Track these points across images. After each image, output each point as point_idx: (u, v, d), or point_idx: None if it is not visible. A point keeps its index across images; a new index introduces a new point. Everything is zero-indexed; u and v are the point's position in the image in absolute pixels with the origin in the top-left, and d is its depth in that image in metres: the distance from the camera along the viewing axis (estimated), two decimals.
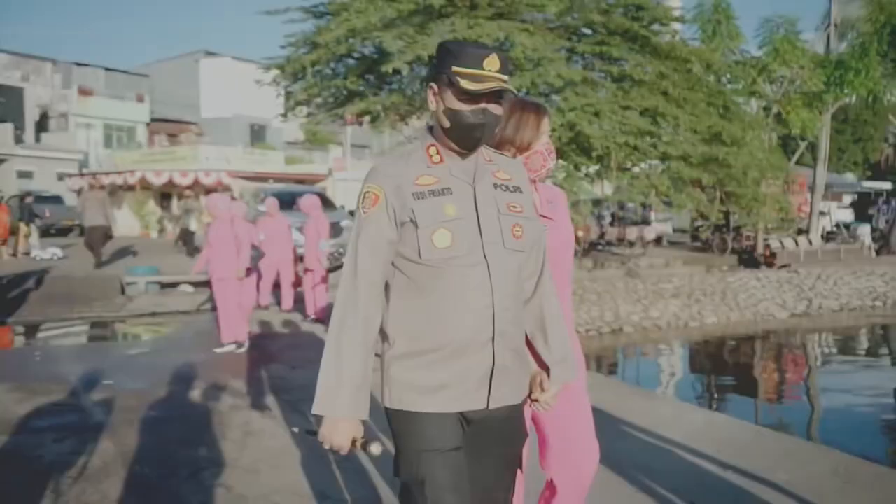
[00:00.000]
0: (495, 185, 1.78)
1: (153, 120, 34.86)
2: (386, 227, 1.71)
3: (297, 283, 9.31)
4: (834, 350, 11.79)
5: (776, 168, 13.55)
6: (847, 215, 26.80)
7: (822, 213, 19.44)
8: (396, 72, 11.35)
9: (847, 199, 35.91)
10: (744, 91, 16.32)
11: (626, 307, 12.36)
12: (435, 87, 1.74)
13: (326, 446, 1.70)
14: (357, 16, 11.11)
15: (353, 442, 1.69)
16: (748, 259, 16.98)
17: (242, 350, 6.87)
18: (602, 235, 17.37)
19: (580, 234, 15.65)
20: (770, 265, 16.47)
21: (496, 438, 1.79)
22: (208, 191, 18.41)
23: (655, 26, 12.45)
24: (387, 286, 1.76)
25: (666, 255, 17.20)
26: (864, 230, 19.68)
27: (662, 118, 11.57)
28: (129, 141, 33.72)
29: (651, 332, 11.81)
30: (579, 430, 2.18)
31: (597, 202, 16.18)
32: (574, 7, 11.61)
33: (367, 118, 13.68)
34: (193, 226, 16.31)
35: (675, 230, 23.89)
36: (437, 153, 1.75)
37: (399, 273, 1.74)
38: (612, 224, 18.07)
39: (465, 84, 1.66)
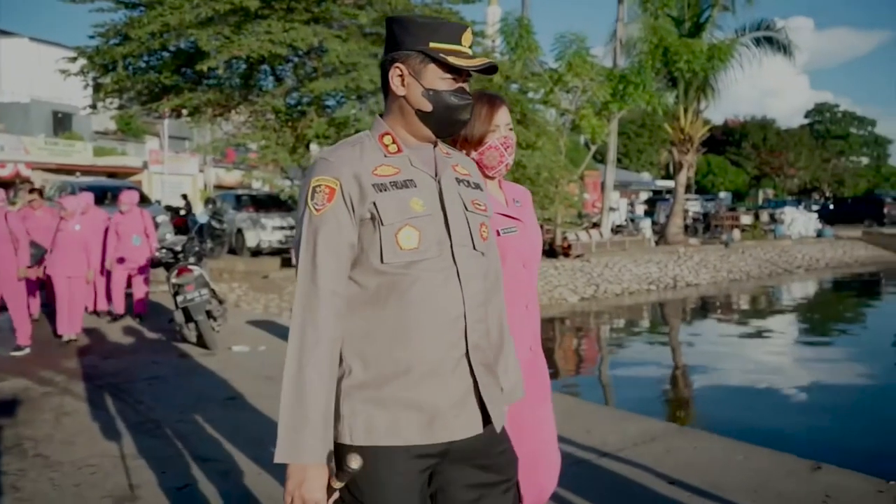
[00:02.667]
0: (458, 180, 1.59)
1: None
2: (347, 226, 1.46)
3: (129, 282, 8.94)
4: (619, 326, 13.63)
5: (564, 168, 15.24)
6: (641, 210, 30.23)
7: (611, 209, 21.90)
8: (213, 68, 11.52)
9: (644, 195, 40.26)
10: (544, 100, 18.08)
11: None
12: (403, 66, 1.51)
13: None
14: (172, 12, 11.15)
15: (329, 489, 1.39)
16: (549, 250, 18.84)
17: (24, 353, 6.59)
18: None
19: None
20: (567, 255, 18.43)
21: (501, 466, 1.58)
22: (2, 184, 17.17)
23: None
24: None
25: None
26: (646, 223, 22.55)
27: None
28: None
29: None
30: (543, 447, 2.08)
31: None
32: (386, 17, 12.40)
33: (184, 111, 13.61)
34: None
35: None
36: (394, 142, 1.54)
37: (352, 284, 1.48)
38: None
39: (455, 60, 1.48)
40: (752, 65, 22.60)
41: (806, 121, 66.54)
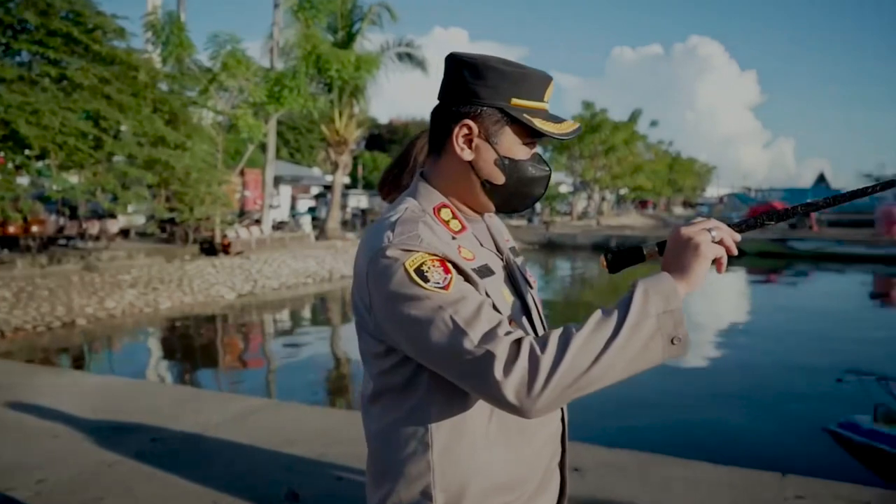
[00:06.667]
0: (513, 251, 1.38)
1: None
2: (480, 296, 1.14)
3: None
4: (281, 319, 14.40)
5: (215, 168, 15.58)
6: (305, 206, 31.44)
7: (272, 207, 22.66)
8: None
9: (315, 190, 41.64)
10: (201, 98, 18.06)
11: (81, 300, 12.83)
12: (474, 125, 1.21)
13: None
14: None
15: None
16: (209, 248, 18.91)
17: None
18: (61, 230, 17.14)
19: (35, 228, 15.30)
20: (227, 253, 18.71)
21: None
22: None
23: (101, 33, 13.06)
24: (419, 411, 1.19)
25: (130, 248, 17.96)
26: (306, 220, 23.80)
27: (105, 121, 12.36)
28: None
29: (106, 321, 12.58)
30: None
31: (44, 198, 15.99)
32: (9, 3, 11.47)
33: None
34: None
35: (150, 220, 24.63)
36: (454, 217, 1.25)
37: (445, 392, 1.16)
38: (72, 218, 17.93)
39: (545, 126, 1.21)
40: (399, 75, 25.01)
41: None
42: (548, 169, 1.28)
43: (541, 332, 1.29)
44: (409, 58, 24.04)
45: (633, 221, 45.71)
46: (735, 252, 1.15)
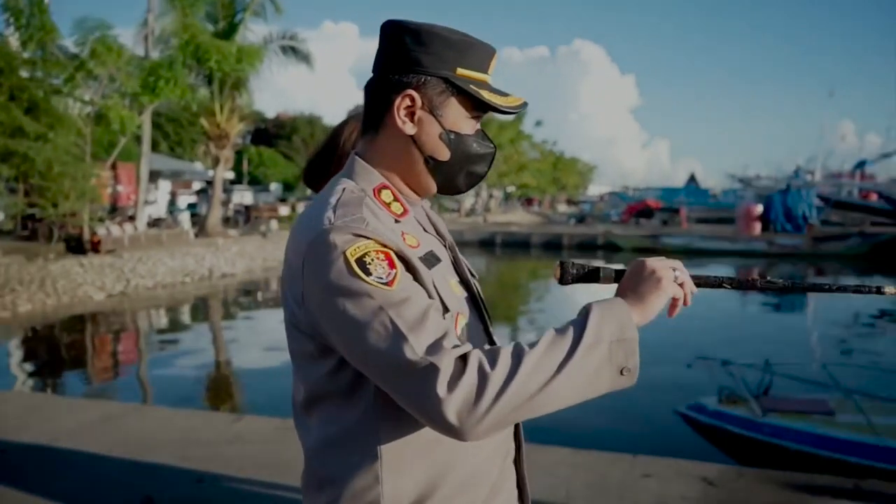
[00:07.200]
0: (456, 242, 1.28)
1: None
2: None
3: None
4: (155, 320, 13.75)
5: (81, 161, 14.67)
6: (185, 202, 30.20)
7: (147, 202, 21.63)
8: None
9: (197, 185, 40.02)
10: (66, 87, 16.92)
11: None
12: (417, 95, 1.11)
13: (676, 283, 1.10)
14: None
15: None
16: (76, 246, 17.79)
17: None
18: None
19: None
20: (97, 251, 17.67)
21: None
22: None
23: None
24: (365, 420, 1.07)
25: None
26: (185, 216, 22.87)
27: None
28: None
29: None
30: None
31: None
32: None
33: None
34: None
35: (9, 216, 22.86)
36: (395, 199, 1.14)
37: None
38: None
39: (497, 100, 1.13)
40: (282, 69, 24.48)
41: None
42: (492, 146, 1.18)
43: (489, 326, 1.20)
44: (294, 51, 23.57)
45: (519, 219, 46.93)
46: (689, 303, 1.12)
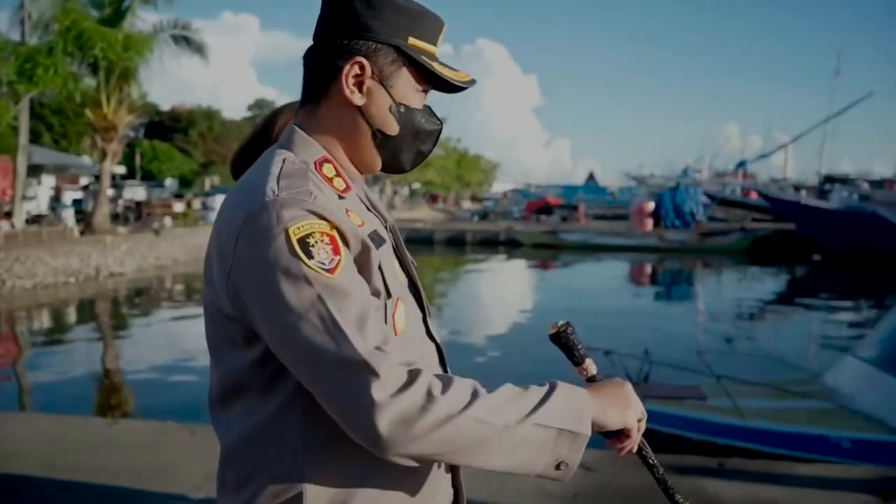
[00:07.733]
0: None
1: None
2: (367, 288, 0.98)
3: None
4: (32, 323, 12.87)
5: None
6: (70, 198, 28.46)
7: (26, 198, 20.27)
8: None
9: (85, 180, 37.86)
10: None
11: None
12: (368, 64, 1.04)
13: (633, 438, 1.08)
14: None
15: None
16: None
17: None
18: None
19: None
20: None
21: None
22: None
23: None
24: (286, 414, 0.98)
25: None
26: (69, 213, 21.55)
27: None
28: None
29: None
30: None
31: None
32: None
33: None
34: None
35: None
36: (337, 174, 1.05)
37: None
38: None
39: (449, 73, 1.07)
40: (175, 59, 23.41)
41: (249, 113, 72.04)
42: (440, 123, 1.12)
43: (428, 314, 1.13)
44: (188, 41, 22.63)
45: (423, 215, 47.06)
46: (631, 451, 1.09)
